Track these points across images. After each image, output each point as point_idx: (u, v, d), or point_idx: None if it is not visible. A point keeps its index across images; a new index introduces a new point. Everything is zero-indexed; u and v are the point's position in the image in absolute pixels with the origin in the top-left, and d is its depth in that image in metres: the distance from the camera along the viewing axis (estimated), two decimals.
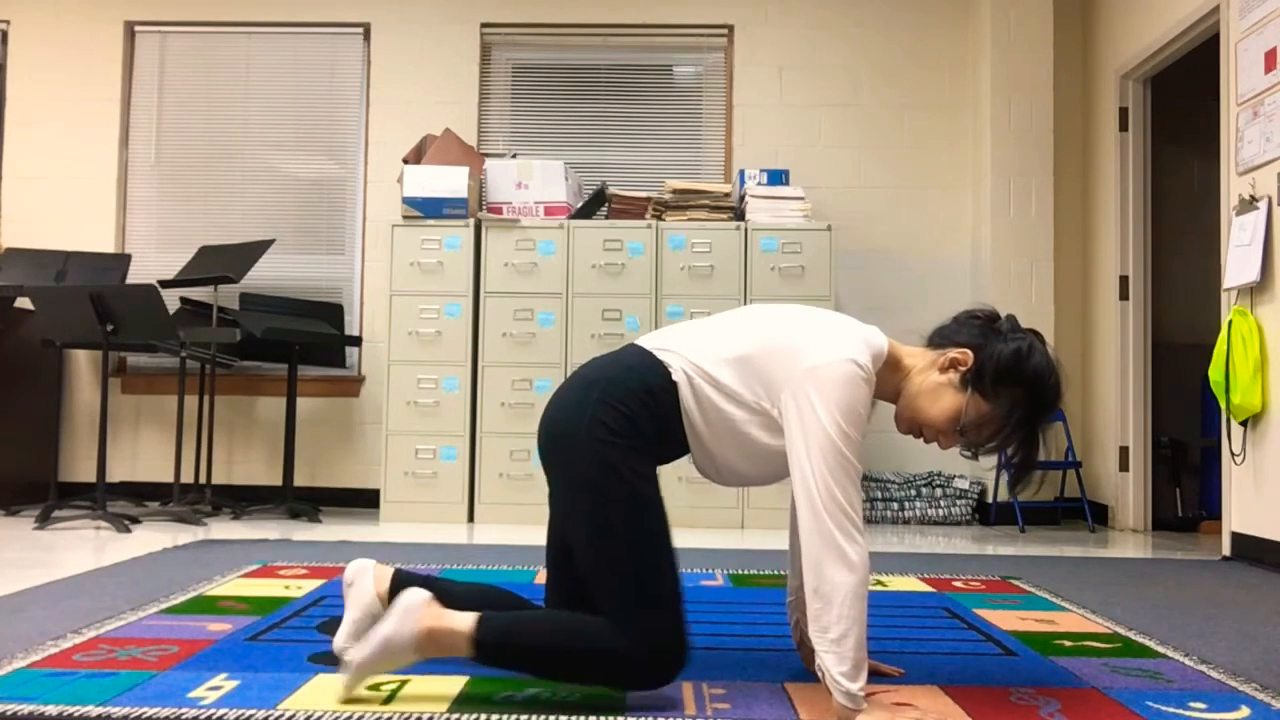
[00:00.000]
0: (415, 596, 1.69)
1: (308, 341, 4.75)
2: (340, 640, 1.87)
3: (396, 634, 1.65)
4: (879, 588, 2.90)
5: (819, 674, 1.62)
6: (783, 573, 2.96)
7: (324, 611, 2.41)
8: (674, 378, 1.74)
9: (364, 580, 1.88)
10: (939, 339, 1.80)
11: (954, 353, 1.74)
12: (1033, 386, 1.71)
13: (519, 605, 1.89)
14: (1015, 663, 2.05)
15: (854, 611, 1.56)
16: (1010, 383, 1.70)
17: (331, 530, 4.19)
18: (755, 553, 3.65)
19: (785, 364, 1.68)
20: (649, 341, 1.83)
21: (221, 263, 4.79)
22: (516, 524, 4.46)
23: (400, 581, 1.88)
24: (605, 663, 1.66)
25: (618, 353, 1.84)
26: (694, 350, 1.76)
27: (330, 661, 1.91)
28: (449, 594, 1.87)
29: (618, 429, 1.70)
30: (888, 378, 1.77)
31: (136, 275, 5.08)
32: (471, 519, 4.59)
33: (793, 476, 1.64)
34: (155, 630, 2.18)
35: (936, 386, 1.74)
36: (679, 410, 1.74)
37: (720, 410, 1.72)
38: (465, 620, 1.67)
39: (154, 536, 3.82)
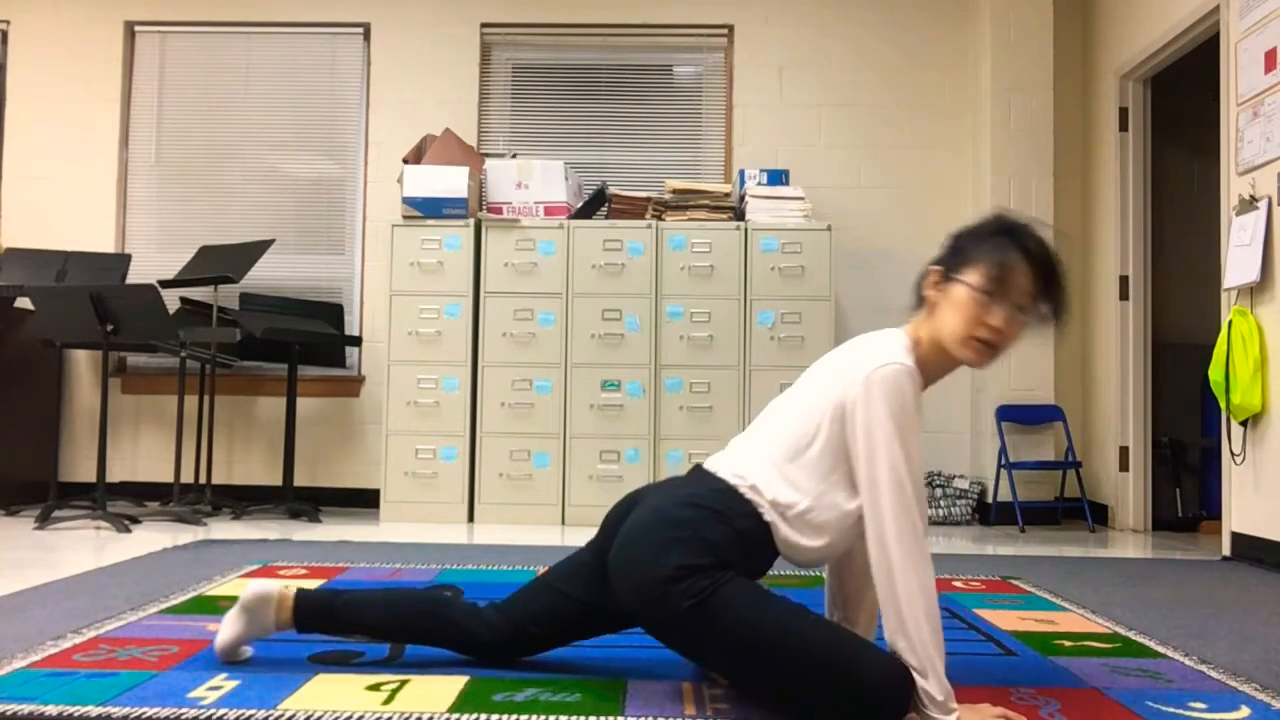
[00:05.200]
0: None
1: (308, 341, 4.75)
2: (223, 651, 1.88)
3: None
4: None
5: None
6: (786, 572, 2.96)
7: None
8: (765, 518, 1.70)
9: (265, 609, 1.87)
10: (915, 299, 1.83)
11: (925, 281, 1.77)
12: (991, 219, 1.74)
13: (438, 608, 1.90)
14: (1015, 663, 2.05)
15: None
16: (971, 238, 1.73)
17: (331, 530, 4.19)
18: None
19: (844, 424, 1.68)
20: (736, 477, 1.75)
21: (221, 263, 4.79)
22: (516, 524, 4.46)
23: (302, 606, 1.87)
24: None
25: (699, 483, 1.77)
26: (771, 478, 1.72)
27: (330, 661, 1.91)
28: (358, 603, 1.88)
29: (702, 568, 1.63)
30: (927, 354, 1.74)
31: (136, 275, 5.07)
32: (471, 519, 4.59)
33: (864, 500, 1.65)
34: (155, 630, 2.18)
35: (940, 306, 1.72)
36: (774, 543, 1.72)
37: (816, 541, 1.72)
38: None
39: (154, 536, 3.82)
